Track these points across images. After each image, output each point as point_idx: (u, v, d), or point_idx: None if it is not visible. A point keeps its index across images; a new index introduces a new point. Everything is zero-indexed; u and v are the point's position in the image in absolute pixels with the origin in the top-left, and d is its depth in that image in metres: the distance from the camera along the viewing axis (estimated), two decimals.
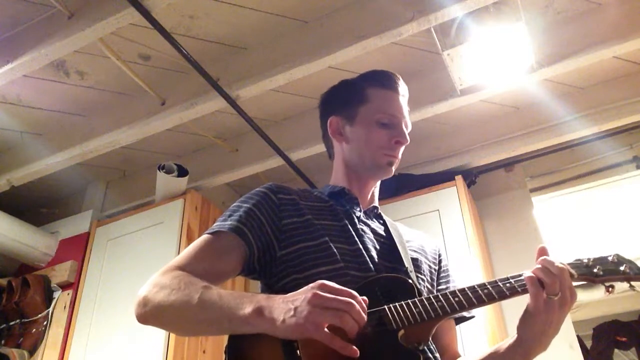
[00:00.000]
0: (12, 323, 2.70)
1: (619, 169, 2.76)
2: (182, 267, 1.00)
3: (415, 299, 0.93)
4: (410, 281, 1.01)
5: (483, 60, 2.23)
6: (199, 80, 2.28)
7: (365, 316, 0.82)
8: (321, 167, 2.92)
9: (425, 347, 1.01)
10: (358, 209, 1.19)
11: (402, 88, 1.27)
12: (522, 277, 0.93)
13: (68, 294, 2.74)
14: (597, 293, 4.30)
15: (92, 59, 2.34)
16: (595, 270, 0.95)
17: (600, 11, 2.24)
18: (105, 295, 2.64)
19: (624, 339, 4.50)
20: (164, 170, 2.71)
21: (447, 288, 1.20)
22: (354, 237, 1.10)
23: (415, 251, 1.19)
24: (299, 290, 0.84)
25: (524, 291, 0.92)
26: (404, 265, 1.09)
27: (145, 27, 2.12)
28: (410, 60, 2.48)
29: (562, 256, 0.96)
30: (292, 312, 0.80)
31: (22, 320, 2.69)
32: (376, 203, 1.27)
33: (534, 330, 0.94)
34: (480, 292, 0.92)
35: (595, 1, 2.24)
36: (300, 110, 2.75)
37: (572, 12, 2.28)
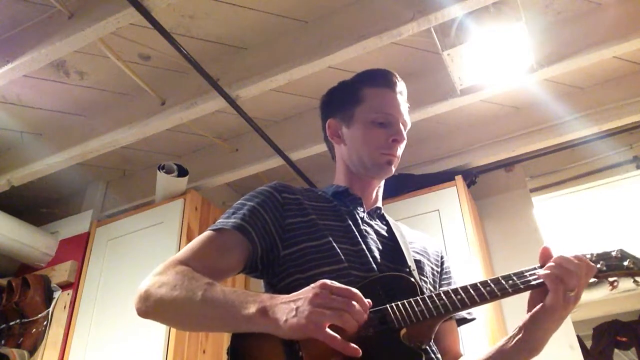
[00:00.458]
0: (12, 323, 2.70)
1: (619, 169, 2.76)
2: (184, 262, 1.00)
3: (418, 298, 0.92)
4: (412, 280, 1.00)
5: (483, 60, 2.23)
6: (199, 80, 2.28)
7: (365, 315, 0.82)
8: (321, 167, 2.92)
9: (428, 347, 1.01)
10: (361, 210, 1.19)
11: (399, 85, 1.26)
12: (524, 274, 0.92)
13: (68, 294, 2.74)
14: (597, 293, 4.30)
15: (92, 59, 2.34)
16: (598, 265, 0.94)
17: (600, 11, 2.24)
18: (105, 295, 2.64)
19: (624, 339, 4.50)
20: (164, 170, 2.71)
21: None
22: (357, 238, 1.10)
23: (418, 253, 1.19)
24: (301, 290, 0.84)
25: (527, 288, 0.91)
26: (407, 266, 1.09)
27: (145, 27, 2.12)
28: (410, 60, 2.48)
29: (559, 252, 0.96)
30: (294, 312, 0.80)
31: (22, 320, 2.69)
32: (379, 204, 1.27)
33: (548, 327, 0.93)
34: (482, 289, 0.91)
35: (595, 1, 2.24)
36: (300, 110, 2.75)
37: (572, 12, 2.28)
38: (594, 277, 0.95)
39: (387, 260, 1.10)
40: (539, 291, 0.94)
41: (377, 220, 1.23)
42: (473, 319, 1.23)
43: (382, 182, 1.29)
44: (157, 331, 2.33)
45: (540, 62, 2.28)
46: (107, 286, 2.66)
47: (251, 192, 1.13)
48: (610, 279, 0.95)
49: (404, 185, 2.69)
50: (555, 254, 0.94)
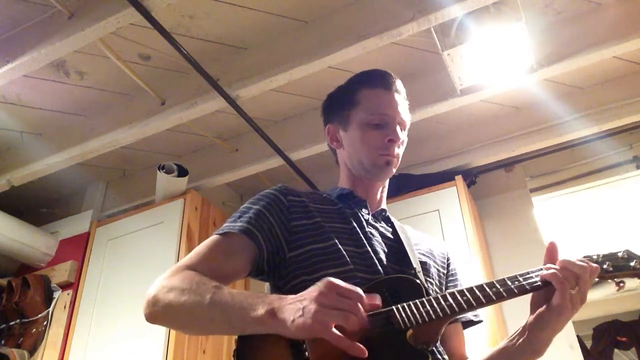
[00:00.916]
0: (12, 323, 2.70)
1: (619, 169, 2.76)
2: (192, 267, 1.01)
3: (423, 299, 0.92)
4: (418, 281, 1.01)
5: (483, 60, 2.23)
6: (199, 80, 2.28)
7: (365, 318, 0.82)
8: (321, 167, 2.93)
9: (434, 349, 1.01)
10: (366, 212, 1.20)
11: (395, 84, 1.25)
12: (530, 275, 0.92)
13: (68, 294, 2.74)
14: (597, 293, 4.31)
15: (92, 59, 2.34)
16: (605, 266, 0.94)
17: (600, 11, 2.24)
18: (105, 295, 2.63)
19: (624, 339, 4.51)
20: (164, 170, 2.71)
21: None
22: (363, 240, 1.10)
23: (423, 254, 1.19)
24: (308, 289, 0.84)
25: (533, 289, 0.92)
26: (412, 268, 1.09)
27: (145, 27, 2.12)
28: (410, 60, 2.48)
29: (563, 255, 0.96)
30: (300, 312, 0.80)
31: (22, 320, 2.69)
32: (384, 206, 1.27)
33: (553, 328, 0.93)
34: (488, 290, 0.91)
35: (595, 1, 2.24)
36: (300, 110, 2.75)
37: (572, 12, 2.28)
38: (600, 278, 0.96)
39: (393, 262, 1.10)
40: (542, 292, 0.94)
41: (383, 222, 1.23)
42: (480, 321, 1.22)
43: (386, 184, 1.29)
44: (157, 331, 2.33)
45: (540, 62, 2.28)
46: (107, 286, 2.66)
47: (256, 196, 1.14)
48: (617, 280, 0.96)
49: (404, 185, 2.69)
50: (562, 250, 0.94)
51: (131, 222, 2.82)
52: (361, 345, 0.79)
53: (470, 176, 2.82)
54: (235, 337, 0.91)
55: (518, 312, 0.98)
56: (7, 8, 2.09)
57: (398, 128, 1.20)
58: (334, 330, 0.78)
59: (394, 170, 1.23)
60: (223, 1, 2.16)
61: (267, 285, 1.15)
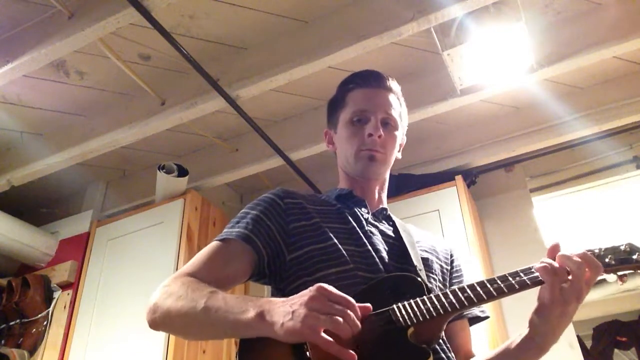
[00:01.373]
0: (12, 323, 2.70)
1: (619, 169, 2.76)
2: (191, 274, 1.02)
3: (424, 297, 0.92)
4: (419, 279, 1.00)
5: (483, 60, 2.23)
6: (199, 80, 2.28)
7: (359, 324, 0.82)
8: (321, 167, 2.93)
9: (437, 346, 1.01)
10: (366, 211, 1.20)
11: (383, 82, 1.26)
12: (532, 270, 0.91)
13: (68, 294, 2.74)
14: (598, 293, 4.31)
15: (92, 59, 2.34)
16: (607, 260, 0.92)
17: (600, 11, 2.24)
18: (105, 295, 2.63)
19: (624, 339, 4.50)
20: (164, 170, 2.71)
21: None
22: (363, 239, 1.10)
23: (425, 251, 1.20)
24: (299, 293, 0.85)
25: (535, 284, 0.91)
26: (413, 265, 1.09)
27: (145, 27, 2.12)
28: (410, 60, 2.48)
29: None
30: (290, 316, 0.81)
31: (22, 320, 2.69)
32: (385, 204, 1.27)
33: (551, 323, 0.93)
34: (489, 287, 0.90)
35: (595, 1, 2.24)
36: (300, 110, 2.75)
37: (572, 12, 2.28)
38: (603, 272, 0.94)
39: (394, 260, 1.10)
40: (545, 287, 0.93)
41: (383, 221, 1.23)
42: (487, 317, 1.22)
43: (385, 182, 1.29)
44: (157, 331, 2.33)
45: (540, 62, 2.28)
46: (107, 286, 2.66)
47: (254, 200, 1.15)
48: (620, 274, 0.93)
49: (404, 185, 2.69)
50: (564, 250, 0.93)
51: (131, 222, 2.82)
52: (351, 351, 0.79)
53: (470, 176, 2.82)
54: (237, 339, 0.92)
55: (518, 311, 0.98)
56: (7, 8, 2.09)
57: (381, 123, 1.20)
58: (323, 334, 0.78)
59: (385, 167, 1.23)
60: (223, 1, 2.16)
61: (266, 288, 1.15)
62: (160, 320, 0.98)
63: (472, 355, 1.16)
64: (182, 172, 2.74)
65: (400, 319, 0.89)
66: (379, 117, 1.21)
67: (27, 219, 2.96)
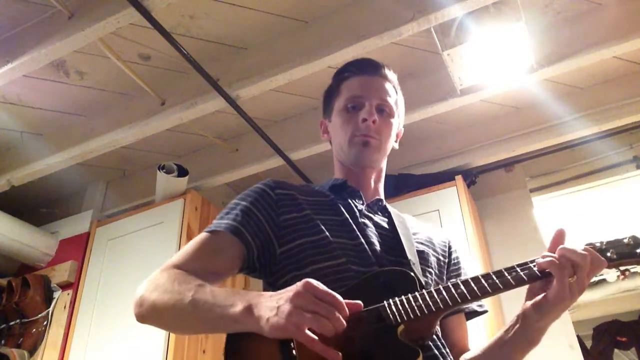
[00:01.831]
0: (12, 323, 2.70)
1: (619, 169, 2.76)
2: (178, 266, 1.00)
3: (416, 293, 0.89)
4: (412, 274, 0.97)
5: (483, 60, 2.23)
6: (199, 80, 2.28)
7: (344, 323, 0.79)
8: (321, 167, 2.92)
9: (431, 343, 0.99)
10: (360, 202, 1.17)
11: (379, 70, 1.24)
12: (528, 266, 0.89)
13: (68, 294, 2.74)
14: (598, 293, 4.31)
15: (92, 59, 2.34)
16: (608, 254, 0.89)
17: (600, 11, 2.24)
18: (105, 295, 2.64)
19: (624, 339, 4.50)
20: (164, 170, 2.71)
21: None
22: (356, 232, 1.07)
23: (422, 243, 1.16)
24: (287, 288, 0.83)
25: (531, 280, 0.88)
26: (408, 259, 1.06)
27: (145, 27, 2.12)
28: (410, 60, 2.48)
29: (569, 243, 0.92)
30: (275, 311, 0.79)
31: (22, 320, 2.69)
32: (381, 195, 1.24)
33: (551, 317, 0.92)
34: (484, 282, 0.88)
35: (595, 1, 2.24)
36: (300, 110, 2.75)
37: (572, 12, 2.28)
38: (605, 267, 0.91)
39: (388, 253, 1.07)
40: (540, 282, 0.91)
41: (379, 212, 1.19)
42: (485, 312, 1.19)
43: (382, 172, 1.26)
44: (157, 331, 2.33)
45: (540, 62, 2.28)
46: (107, 286, 2.66)
47: (245, 191, 1.12)
48: (622, 268, 0.92)
49: (404, 185, 2.69)
50: (569, 239, 0.92)
51: (131, 222, 2.82)
52: (334, 350, 0.77)
53: (470, 176, 2.82)
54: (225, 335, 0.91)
55: (517, 307, 0.97)
56: (7, 8, 2.09)
57: (376, 109, 1.18)
58: (307, 332, 0.77)
59: (380, 154, 1.20)
60: (223, 1, 2.16)
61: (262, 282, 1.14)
62: (147, 314, 0.96)
63: (468, 350, 1.13)
64: (182, 172, 2.74)
65: (391, 316, 0.86)
66: (374, 103, 1.19)
67: (27, 219, 2.96)
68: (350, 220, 1.09)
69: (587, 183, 2.84)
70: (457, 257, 1.23)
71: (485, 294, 0.87)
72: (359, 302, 0.84)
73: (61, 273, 2.79)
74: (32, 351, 2.59)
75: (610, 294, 4.33)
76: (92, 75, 2.46)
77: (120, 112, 2.58)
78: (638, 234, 0.91)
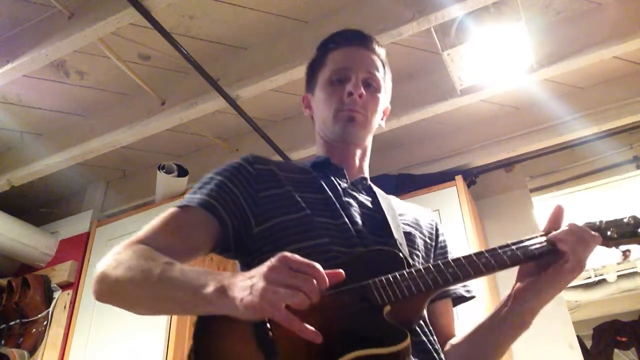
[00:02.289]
0: (12, 323, 2.70)
1: (619, 169, 2.76)
2: (144, 242, 0.91)
3: (404, 272, 0.82)
4: (400, 254, 0.89)
5: (483, 60, 2.23)
6: (199, 80, 2.28)
7: (318, 293, 0.71)
8: None
9: (418, 329, 0.92)
10: (344, 180, 1.09)
11: (366, 42, 1.16)
12: (525, 244, 0.85)
13: (68, 294, 2.74)
14: (597, 293, 4.31)
15: (92, 59, 2.34)
16: (609, 233, 0.85)
17: (600, 11, 2.24)
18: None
19: (624, 339, 4.51)
20: (164, 170, 2.70)
21: None
22: (339, 210, 0.99)
23: (408, 225, 1.09)
24: (261, 265, 0.74)
25: (528, 259, 0.84)
26: (394, 239, 0.98)
27: (145, 27, 2.12)
28: (410, 60, 2.48)
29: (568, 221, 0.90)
30: (249, 290, 0.70)
31: (22, 320, 2.69)
32: (366, 174, 1.16)
33: (545, 299, 0.87)
34: (477, 261, 0.82)
35: (595, 1, 2.24)
36: (300, 111, 2.71)
37: (572, 12, 2.28)
38: (604, 246, 0.88)
39: (373, 233, 0.99)
40: (544, 262, 0.86)
41: (363, 191, 1.11)
42: (472, 297, 1.11)
43: (367, 150, 1.18)
44: (157, 331, 2.33)
45: (540, 62, 2.28)
46: None
47: (221, 166, 1.03)
48: (622, 248, 0.87)
49: (404, 185, 2.69)
50: (567, 218, 0.88)
51: (131, 222, 2.82)
52: (314, 330, 0.69)
53: (470, 176, 2.82)
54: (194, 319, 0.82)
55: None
56: (7, 8, 2.09)
57: (363, 83, 1.10)
58: (284, 310, 0.69)
59: (366, 131, 1.12)
60: (223, 1, 2.16)
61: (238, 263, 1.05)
62: (107, 292, 0.87)
63: (454, 337, 1.07)
64: (182, 172, 2.74)
65: (377, 296, 0.79)
66: (361, 76, 1.11)
67: (27, 219, 2.96)
68: (334, 199, 1.02)
69: (587, 183, 2.84)
70: (445, 241, 1.17)
71: (478, 273, 0.82)
72: (340, 270, 0.76)
73: (61, 273, 2.79)
74: (32, 351, 2.59)
75: (610, 294, 4.33)
76: (92, 75, 2.46)
77: (120, 112, 2.59)
78: (637, 214, 0.88)
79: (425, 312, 0.96)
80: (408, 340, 0.73)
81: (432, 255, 1.11)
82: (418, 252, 1.04)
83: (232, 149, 2.91)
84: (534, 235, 0.88)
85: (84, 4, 2.00)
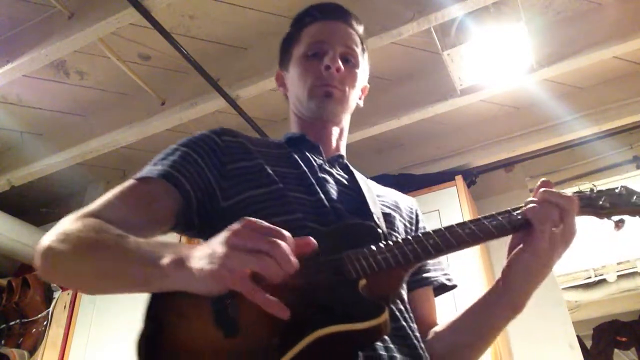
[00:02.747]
0: (12, 323, 2.70)
1: (619, 169, 2.76)
2: (95, 214, 0.82)
3: (381, 244, 0.76)
4: (379, 230, 0.83)
5: (483, 60, 2.23)
6: (199, 80, 2.28)
7: (294, 261, 0.63)
8: None
9: (398, 314, 0.86)
10: (320, 157, 1.03)
11: (343, 15, 1.11)
12: (511, 213, 0.80)
13: (68, 294, 2.74)
14: (597, 293, 4.31)
15: (92, 59, 2.34)
16: (600, 202, 0.81)
17: (600, 11, 2.25)
18: (105, 295, 2.63)
19: (624, 339, 4.51)
20: None
21: None
22: (315, 186, 0.93)
23: (387, 207, 1.03)
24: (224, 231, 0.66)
25: (515, 229, 0.79)
26: (372, 216, 0.92)
27: (145, 27, 2.12)
28: (410, 60, 2.48)
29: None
30: (208, 259, 0.62)
31: (22, 320, 2.69)
32: (342, 152, 1.11)
33: (532, 276, 0.82)
34: (460, 231, 0.77)
35: (595, 1, 2.24)
36: None
37: (572, 12, 2.28)
38: (596, 216, 0.84)
39: (349, 211, 0.92)
40: (523, 233, 0.81)
41: (340, 169, 1.05)
42: (454, 286, 1.06)
43: (344, 130, 1.13)
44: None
45: (540, 62, 2.28)
46: None
47: (187, 137, 0.96)
48: (615, 219, 0.83)
49: (404, 185, 2.69)
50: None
51: None
52: (280, 303, 0.61)
53: (470, 176, 2.82)
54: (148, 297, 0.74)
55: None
56: (7, 8, 2.09)
57: (341, 58, 1.04)
58: (247, 279, 0.61)
59: (343, 107, 1.06)
60: (223, 1, 2.16)
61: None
62: (52, 268, 0.78)
63: (436, 325, 1.01)
64: None
65: (352, 269, 0.72)
66: (339, 50, 1.05)
67: (27, 219, 2.96)
68: (309, 174, 0.95)
69: (587, 183, 2.83)
70: (425, 227, 1.11)
71: (462, 244, 0.77)
72: (310, 238, 0.68)
73: None
74: (32, 351, 2.59)
75: (610, 294, 4.33)
76: (92, 75, 2.46)
77: (120, 112, 2.59)
78: (628, 184, 0.85)
79: (406, 298, 0.92)
80: (386, 315, 0.67)
81: None
82: (397, 235, 0.97)
83: None
84: (521, 205, 0.82)
85: (84, 4, 2.00)
